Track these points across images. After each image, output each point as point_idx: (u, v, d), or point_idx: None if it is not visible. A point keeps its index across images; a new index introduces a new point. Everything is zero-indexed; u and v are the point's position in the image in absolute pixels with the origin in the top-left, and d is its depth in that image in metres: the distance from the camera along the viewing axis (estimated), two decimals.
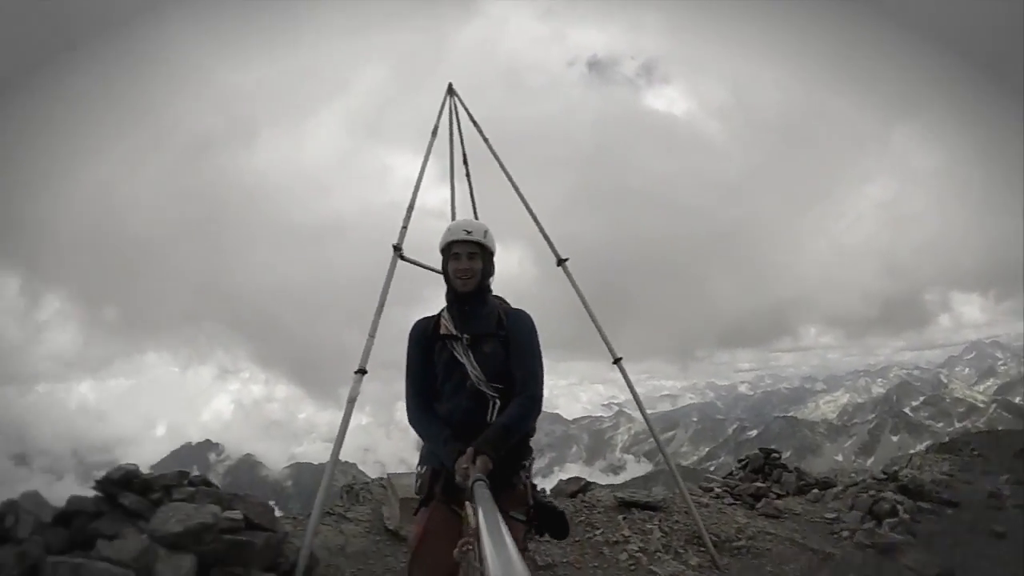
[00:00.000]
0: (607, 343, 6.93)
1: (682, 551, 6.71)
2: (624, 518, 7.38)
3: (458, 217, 8.59)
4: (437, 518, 3.19)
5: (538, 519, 3.26)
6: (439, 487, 3.21)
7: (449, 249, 3.37)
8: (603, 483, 9.33)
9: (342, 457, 5.76)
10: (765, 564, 6.63)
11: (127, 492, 5.10)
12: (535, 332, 3.40)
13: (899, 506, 8.06)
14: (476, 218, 8.46)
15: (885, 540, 7.20)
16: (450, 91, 8.56)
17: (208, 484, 5.60)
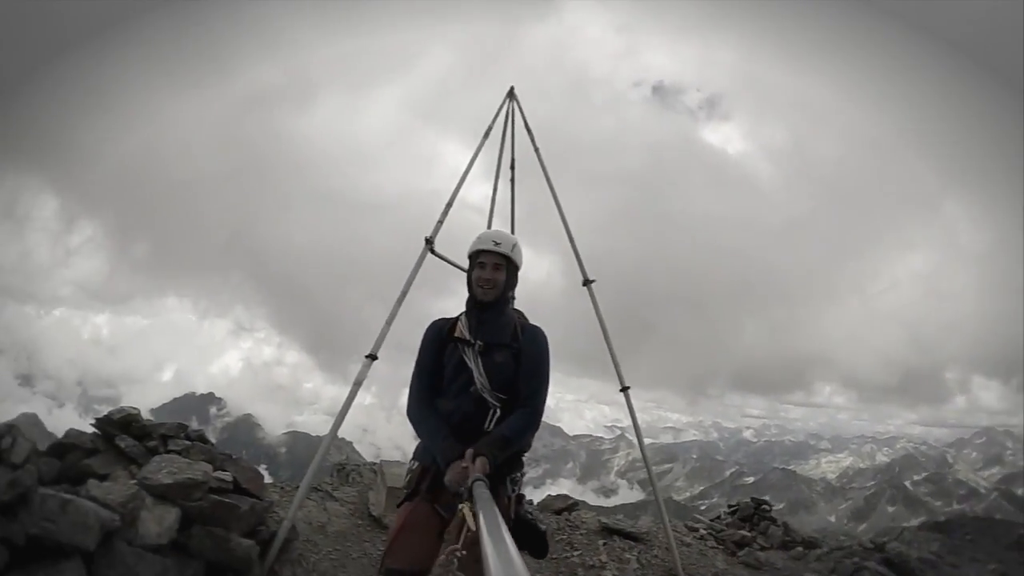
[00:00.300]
0: (618, 370, 6.88)
1: None
2: (604, 544, 7.36)
3: (495, 220, 8.58)
4: (418, 514, 3.24)
5: (519, 535, 3.26)
6: (426, 484, 3.28)
7: (476, 257, 3.45)
8: (593, 503, 9.33)
9: (339, 434, 5.80)
10: None
11: (125, 435, 5.21)
12: (547, 351, 3.47)
13: None
14: (512, 223, 8.49)
15: None
16: (510, 95, 8.56)
17: (204, 441, 5.69)
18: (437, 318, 3.61)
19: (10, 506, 3.55)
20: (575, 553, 7.02)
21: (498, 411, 3.30)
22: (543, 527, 3.43)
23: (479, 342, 3.38)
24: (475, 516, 2.32)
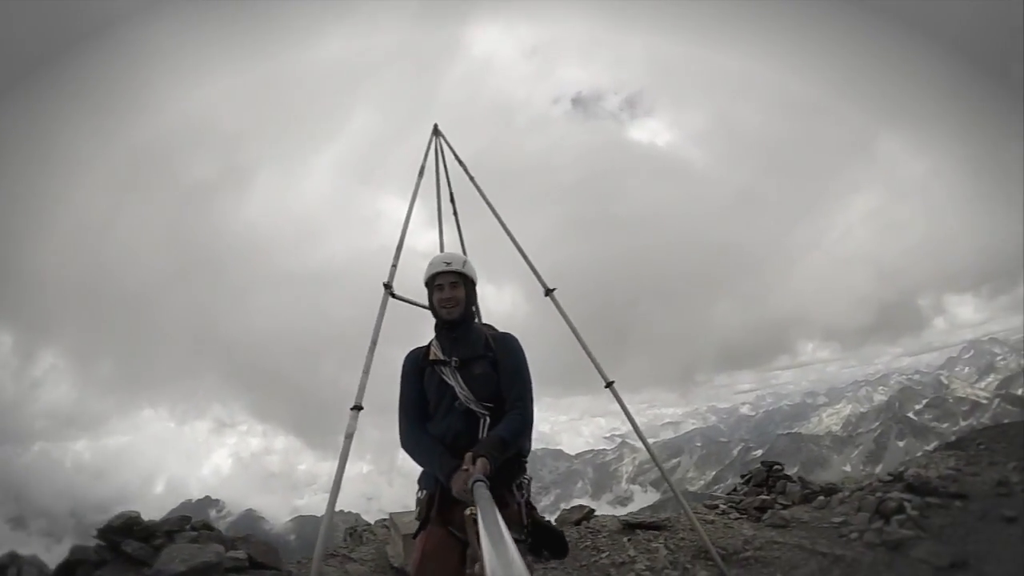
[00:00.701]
0: (598, 367, 6.87)
1: (690, 566, 6.69)
2: (629, 539, 7.37)
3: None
4: (434, 541, 3.25)
5: (536, 539, 3.29)
6: (435, 510, 3.29)
7: (432, 281, 3.57)
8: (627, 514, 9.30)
9: (344, 507, 5.72)
10: (775, 572, 6.61)
11: (129, 539, 5.14)
12: (523, 354, 3.55)
13: (906, 503, 8.03)
14: (464, 255, 8.49)
15: (895, 537, 7.18)
16: (435, 132, 8.67)
17: (210, 528, 5.65)
18: (412, 349, 3.68)
19: None
20: (602, 555, 7.01)
21: (488, 419, 3.34)
22: (559, 529, 3.44)
23: (455, 359, 3.46)
24: (476, 516, 2.32)
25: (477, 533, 2.47)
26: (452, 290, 3.51)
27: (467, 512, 2.53)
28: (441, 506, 3.27)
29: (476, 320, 3.72)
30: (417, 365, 3.58)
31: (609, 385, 6.81)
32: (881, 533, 7.32)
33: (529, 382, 3.48)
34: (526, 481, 3.41)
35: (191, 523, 5.64)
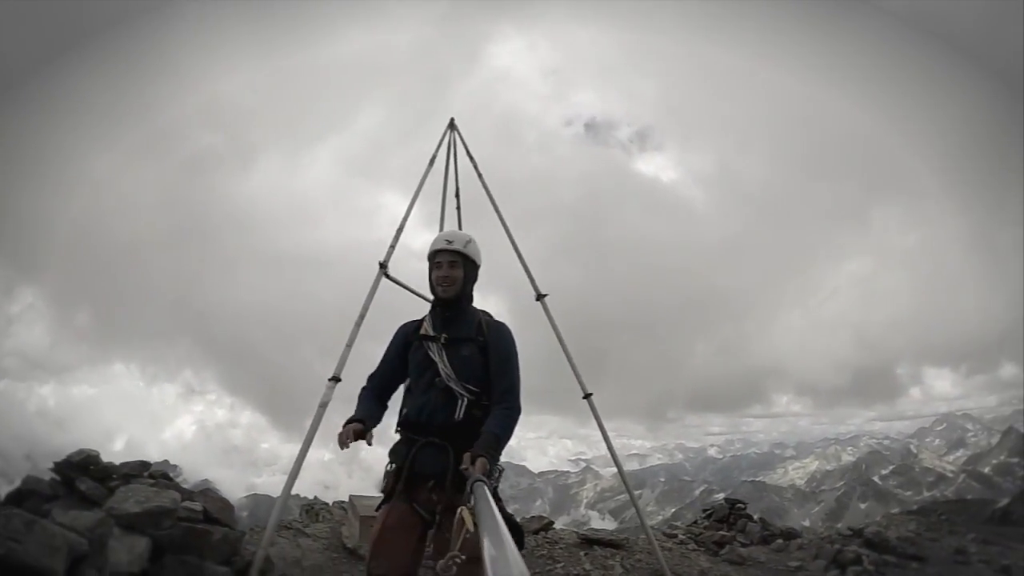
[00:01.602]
0: (578, 377, 6.82)
1: None
2: (586, 554, 7.36)
3: None
4: (395, 514, 3.25)
5: None
6: (400, 484, 3.29)
7: (433, 258, 3.55)
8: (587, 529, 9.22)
9: (301, 492, 5.67)
10: None
11: (85, 477, 5.02)
12: (514, 345, 3.54)
13: (864, 557, 8.06)
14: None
15: None
16: (451, 126, 8.67)
17: (168, 478, 5.58)
18: (406, 322, 3.69)
19: None
20: (558, 565, 6.98)
21: (466, 400, 3.33)
22: (519, 522, 3.42)
23: (444, 336, 3.45)
24: (475, 517, 2.30)
25: (464, 531, 2.44)
26: (450, 268, 3.49)
27: (458, 513, 2.50)
28: (407, 482, 3.27)
29: (472, 302, 3.67)
30: (405, 338, 3.60)
31: (587, 396, 6.76)
32: None
33: (518, 374, 3.47)
34: (498, 471, 3.37)
35: (150, 470, 5.55)
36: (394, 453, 3.42)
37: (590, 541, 7.77)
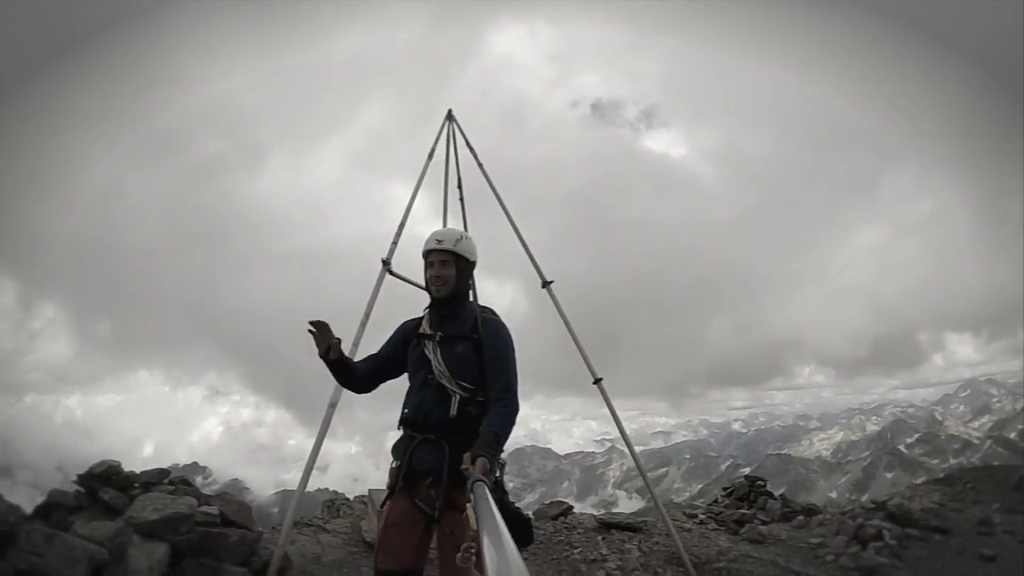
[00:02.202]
0: (588, 363, 6.90)
1: (660, 571, 6.68)
2: (603, 538, 7.38)
3: None
4: (397, 510, 3.32)
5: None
6: (400, 481, 3.35)
7: (427, 257, 3.56)
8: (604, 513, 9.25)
9: (329, 486, 5.80)
10: None
11: (107, 487, 5.18)
12: (510, 342, 3.53)
13: (885, 531, 8.01)
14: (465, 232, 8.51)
15: (870, 563, 7.16)
16: (449, 117, 8.68)
17: (188, 484, 5.74)
18: (408, 319, 3.73)
19: None
20: (575, 551, 7.02)
21: (459, 397, 3.36)
22: (527, 514, 3.44)
23: (439, 334, 3.48)
24: (476, 516, 2.32)
25: (468, 527, 2.46)
26: (442, 268, 3.50)
27: (463, 513, 2.52)
28: (407, 478, 3.34)
29: (470, 299, 3.70)
30: (404, 335, 3.65)
31: (597, 382, 6.82)
32: (857, 558, 7.30)
33: (515, 371, 3.47)
34: (500, 464, 3.38)
35: (169, 477, 5.72)
36: (395, 450, 3.48)
37: (608, 525, 7.80)
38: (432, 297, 3.58)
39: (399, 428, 3.53)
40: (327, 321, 3.40)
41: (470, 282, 3.71)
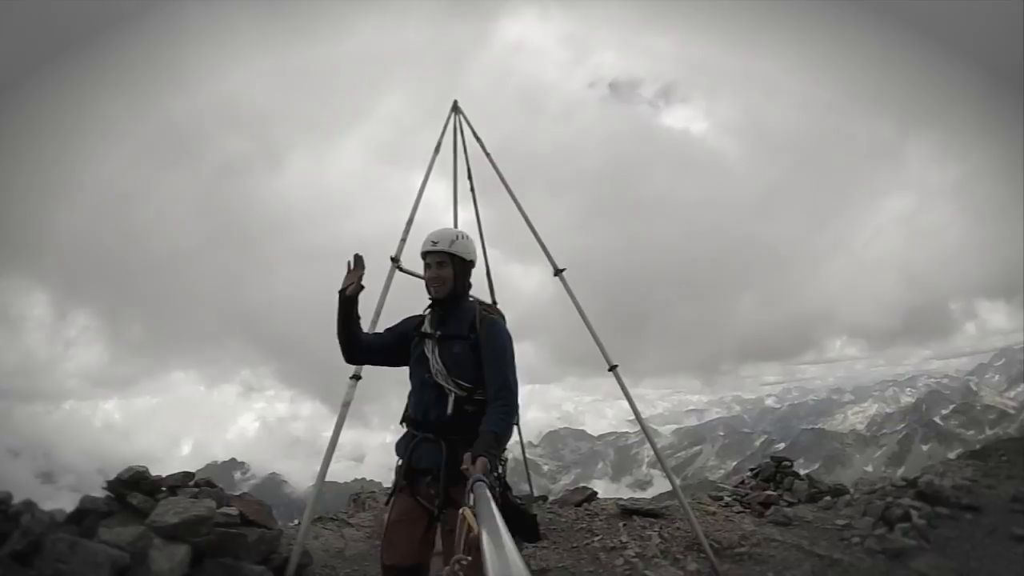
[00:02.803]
0: (602, 350, 6.91)
1: (681, 557, 6.66)
2: (624, 525, 7.38)
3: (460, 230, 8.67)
4: (400, 508, 3.42)
5: (507, 520, 3.30)
6: (402, 479, 3.44)
7: (424, 259, 3.61)
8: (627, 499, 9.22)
9: (367, 475, 5.91)
10: (767, 570, 6.54)
11: (136, 492, 5.39)
12: (509, 342, 3.54)
13: (913, 511, 7.88)
14: (480, 233, 8.62)
15: (896, 545, 7.06)
16: (455, 108, 8.65)
17: (212, 486, 5.92)
18: (414, 315, 3.77)
19: (25, 554, 3.85)
20: (595, 538, 7.03)
21: (455, 395, 3.39)
22: (533, 512, 3.47)
23: (438, 333, 3.52)
24: (476, 517, 2.33)
25: (467, 530, 2.47)
26: (438, 269, 3.54)
27: (461, 514, 2.54)
28: (408, 476, 3.42)
29: (467, 297, 3.70)
30: (406, 330, 3.70)
31: (612, 369, 6.84)
32: (883, 540, 7.19)
33: (513, 370, 3.48)
34: (503, 460, 3.40)
35: (194, 480, 5.91)
36: (397, 448, 3.55)
37: (629, 511, 7.80)
38: (430, 297, 3.62)
39: (402, 425, 3.59)
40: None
41: (470, 281, 3.72)
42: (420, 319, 3.69)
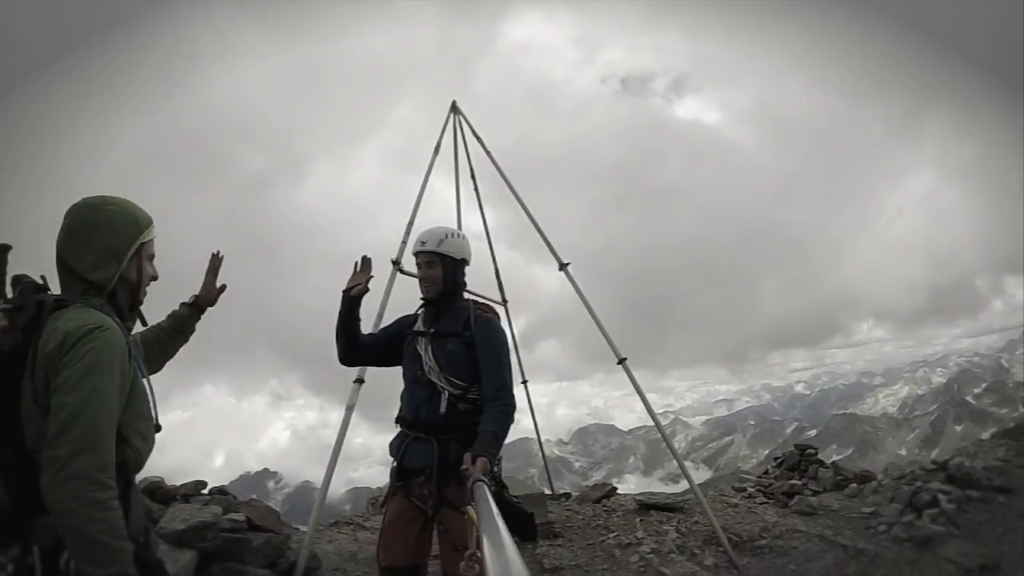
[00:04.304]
0: (611, 343, 6.92)
1: (698, 552, 6.52)
2: (641, 520, 7.28)
3: (464, 230, 8.73)
4: (395, 508, 3.38)
5: (504, 519, 3.26)
6: (395, 481, 3.43)
7: (416, 258, 3.58)
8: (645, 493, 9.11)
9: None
10: (788, 563, 6.38)
11: (152, 502, 5.58)
12: (503, 340, 3.51)
13: (941, 496, 7.66)
14: (487, 231, 8.60)
15: (924, 532, 6.85)
16: (454, 109, 8.71)
17: (223, 493, 6.10)
18: (409, 313, 3.77)
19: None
20: (611, 535, 6.94)
21: (449, 393, 3.34)
22: (529, 510, 3.42)
23: (431, 330, 3.50)
24: (476, 516, 2.29)
25: (471, 527, 2.43)
26: (428, 269, 3.51)
27: (467, 513, 2.51)
28: (402, 476, 3.39)
29: (460, 296, 3.65)
30: (400, 329, 3.68)
31: (621, 362, 6.84)
32: (910, 527, 6.98)
33: (508, 369, 3.43)
34: (498, 460, 3.37)
35: (207, 487, 6.14)
36: (391, 448, 3.51)
37: (647, 506, 7.70)
38: (422, 297, 3.60)
39: (396, 425, 3.56)
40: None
41: (464, 280, 3.67)
42: (414, 318, 3.68)
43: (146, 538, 2.27)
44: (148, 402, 2.30)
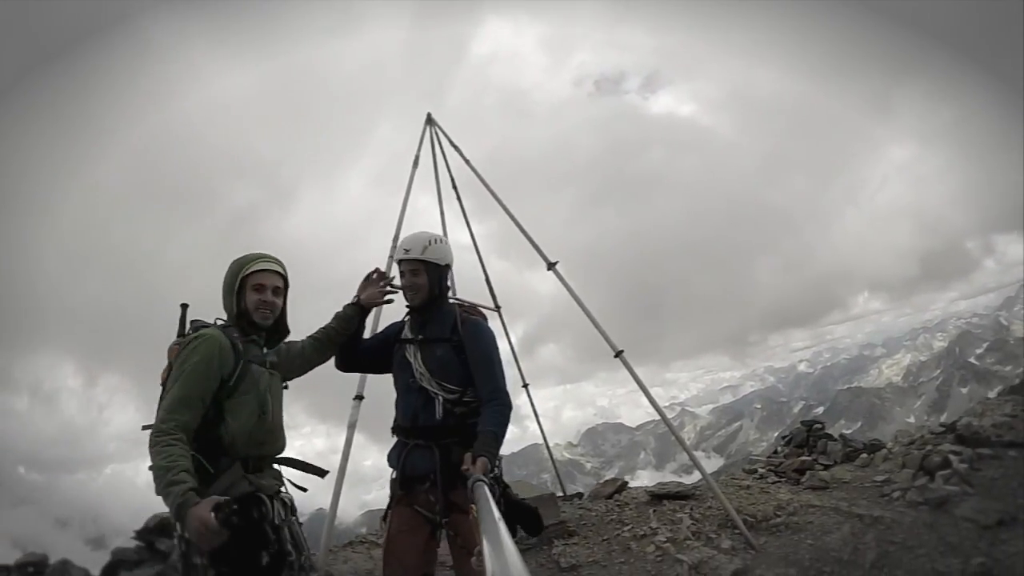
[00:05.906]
0: (606, 337, 6.92)
1: (714, 536, 6.51)
2: (654, 511, 7.25)
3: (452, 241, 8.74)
4: (399, 519, 3.35)
5: (510, 516, 3.23)
6: (396, 490, 3.41)
7: (399, 267, 3.57)
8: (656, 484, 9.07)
9: None
10: (805, 538, 6.36)
11: (163, 538, 5.58)
12: (493, 342, 3.52)
13: (952, 457, 7.65)
14: (473, 240, 8.62)
15: (938, 494, 6.85)
16: (429, 120, 8.76)
17: None
18: (396, 321, 3.76)
19: None
20: (625, 528, 6.92)
21: (442, 399, 3.34)
22: (533, 506, 3.40)
23: (419, 337, 3.49)
24: (477, 516, 2.29)
25: (477, 527, 2.43)
26: (412, 277, 3.48)
27: (467, 515, 2.50)
28: (404, 486, 3.37)
29: (446, 301, 3.64)
30: (388, 337, 3.69)
31: (619, 354, 6.83)
32: (924, 490, 6.97)
33: (500, 369, 3.45)
34: (498, 459, 3.36)
35: None
36: (389, 459, 3.50)
37: (659, 496, 7.68)
38: (407, 305, 3.59)
39: (393, 435, 3.54)
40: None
41: (448, 284, 3.68)
42: (400, 325, 3.67)
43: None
44: (255, 393, 2.97)
